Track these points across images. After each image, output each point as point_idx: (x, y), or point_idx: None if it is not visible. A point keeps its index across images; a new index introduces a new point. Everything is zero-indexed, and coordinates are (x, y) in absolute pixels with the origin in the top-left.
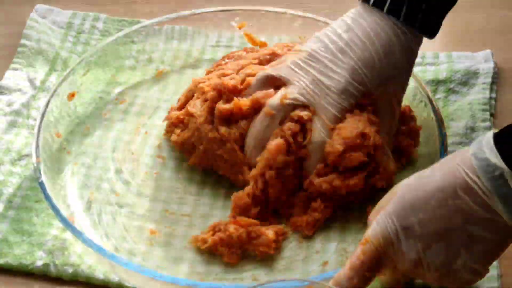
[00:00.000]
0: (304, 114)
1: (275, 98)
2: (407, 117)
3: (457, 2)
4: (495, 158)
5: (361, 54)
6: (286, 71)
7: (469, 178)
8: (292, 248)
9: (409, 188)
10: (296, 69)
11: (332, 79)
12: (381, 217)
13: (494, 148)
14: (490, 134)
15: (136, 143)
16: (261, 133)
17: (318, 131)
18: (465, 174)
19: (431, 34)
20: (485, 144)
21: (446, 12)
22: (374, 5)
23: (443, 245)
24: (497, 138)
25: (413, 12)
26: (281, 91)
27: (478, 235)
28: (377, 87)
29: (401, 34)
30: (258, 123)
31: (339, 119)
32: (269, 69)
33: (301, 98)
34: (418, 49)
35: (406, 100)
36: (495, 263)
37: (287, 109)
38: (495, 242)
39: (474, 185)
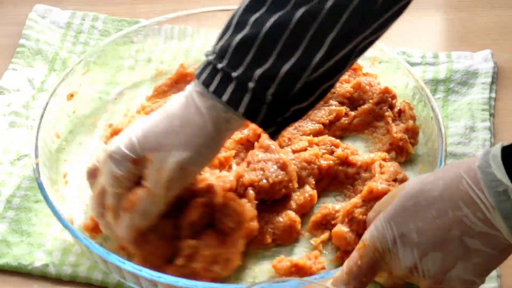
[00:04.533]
0: None
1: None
2: (406, 115)
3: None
4: (500, 174)
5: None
6: None
7: (472, 191)
8: None
9: (410, 194)
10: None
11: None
12: (380, 221)
13: (501, 163)
14: (498, 148)
15: None
16: None
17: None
18: (468, 186)
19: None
20: (492, 158)
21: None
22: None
23: (440, 255)
24: (505, 153)
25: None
26: None
27: (475, 248)
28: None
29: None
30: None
31: None
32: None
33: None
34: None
35: (406, 99)
36: None
37: None
38: (492, 256)
39: (477, 199)
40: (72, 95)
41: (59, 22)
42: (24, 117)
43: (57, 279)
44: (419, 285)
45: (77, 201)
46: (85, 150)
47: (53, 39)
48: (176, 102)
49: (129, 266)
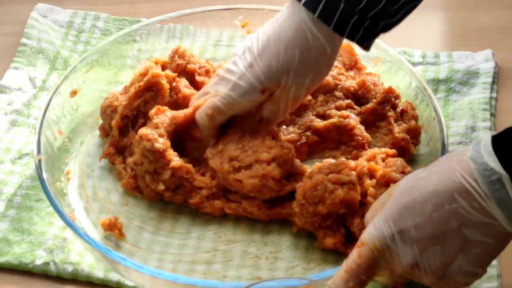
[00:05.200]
0: None
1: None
2: (408, 115)
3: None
4: (493, 163)
5: (262, 52)
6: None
7: (466, 182)
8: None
9: (406, 191)
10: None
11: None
12: (377, 220)
13: (492, 152)
14: (488, 137)
15: None
16: None
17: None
18: (462, 178)
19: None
20: (483, 148)
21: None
22: (305, 5)
23: (439, 249)
24: (496, 142)
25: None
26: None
27: (474, 239)
28: (273, 81)
29: (316, 36)
30: None
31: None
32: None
33: None
34: (337, 49)
35: (408, 99)
36: (494, 262)
37: None
38: (491, 245)
39: (471, 189)
40: (75, 92)
41: (60, 21)
42: (25, 116)
43: (58, 277)
44: (421, 281)
45: (79, 199)
46: (87, 148)
47: (54, 38)
48: (290, 32)
49: (130, 263)
